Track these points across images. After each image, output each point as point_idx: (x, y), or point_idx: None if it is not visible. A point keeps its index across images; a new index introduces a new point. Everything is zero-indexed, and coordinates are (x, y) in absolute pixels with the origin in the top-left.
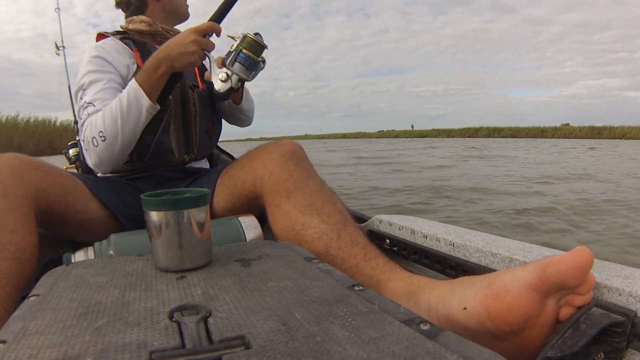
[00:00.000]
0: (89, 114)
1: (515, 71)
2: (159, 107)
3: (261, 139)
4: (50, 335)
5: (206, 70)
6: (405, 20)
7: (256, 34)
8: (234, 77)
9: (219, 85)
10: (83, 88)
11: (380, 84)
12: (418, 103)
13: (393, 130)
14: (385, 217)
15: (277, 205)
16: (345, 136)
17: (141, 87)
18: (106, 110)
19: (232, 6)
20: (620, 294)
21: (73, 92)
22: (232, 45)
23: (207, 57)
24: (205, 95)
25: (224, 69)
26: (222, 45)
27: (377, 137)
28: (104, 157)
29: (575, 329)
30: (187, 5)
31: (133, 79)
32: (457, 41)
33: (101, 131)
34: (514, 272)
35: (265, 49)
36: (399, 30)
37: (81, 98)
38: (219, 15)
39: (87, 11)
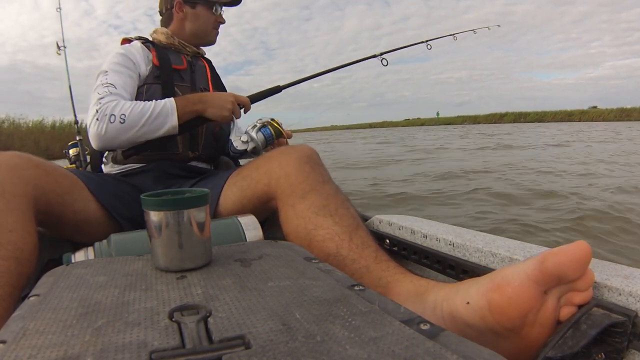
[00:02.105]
0: (110, 93)
1: (540, 54)
2: (177, 132)
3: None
4: (50, 335)
5: (217, 76)
6: (427, 6)
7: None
8: (251, 144)
9: (237, 143)
10: (106, 72)
11: (404, 72)
12: (443, 90)
13: (419, 118)
14: (385, 217)
15: (291, 204)
16: (371, 126)
17: (177, 108)
18: (138, 104)
19: (267, 97)
20: (621, 294)
21: (95, 75)
22: (260, 120)
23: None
24: None
25: (247, 134)
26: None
27: (403, 126)
28: (110, 134)
29: (576, 329)
30: (216, 33)
31: (173, 98)
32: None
33: (124, 114)
34: (515, 266)
35: (275, 139)
36: (421, 17)
37: (103, 77)
38: (256, 99)
39: (107, 13)
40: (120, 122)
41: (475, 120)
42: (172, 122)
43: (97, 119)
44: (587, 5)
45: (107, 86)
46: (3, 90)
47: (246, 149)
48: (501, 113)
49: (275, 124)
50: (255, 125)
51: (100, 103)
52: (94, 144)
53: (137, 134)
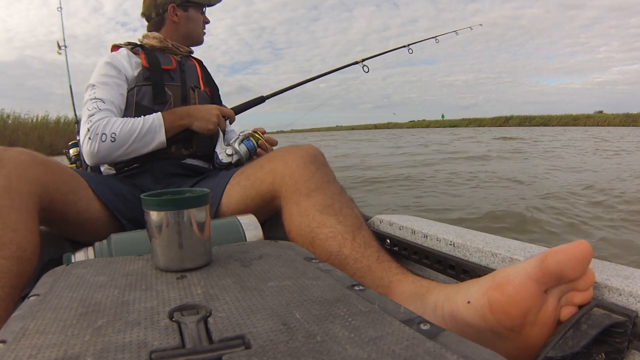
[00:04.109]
0: (100, 109)
1: (548, 58)
2: (165, 146)
3: (292, 131)
4: (50, 335)
5: (209, 75)
6: (435, 9)
7: (263, 133)
8: (235, 156)
9: (222, 156)
10: (93, 86)
11: (411, 74)
12: (449, 92)
13: (424, 120)
14: (385, 217)
15: (295, 202)
16: (375, 127)
17: (164, 123)
18: (128, 121)
19: (251, 108)
20: (621, 294)
21: (84, 87)
22: (243, 132)
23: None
24: (207, 97)
25: (231, 147)
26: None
27: (408, 128)
28: (102, 152)
29: (576, 329)
30: (204, 33)
31: (160, 113)
32: (488, 29)
33: (114, 133)
34: (516, 265)
35: (256, 149)
36: (429, 20)
37: (91, 91)
38: (240, 110)
39: (115, 10)
40: (111, 140)
41: (480, 123)
42: (160, 138)
43: (90, 138)
44: (596, 10)
45: (95, 101)
46: (12, 86)
47: (231, 162)
48: (506, 116)
49: (258, 135)
50: (238, 138)
51: (91, 121)
52: (87, 160)
53: (127, 150)
